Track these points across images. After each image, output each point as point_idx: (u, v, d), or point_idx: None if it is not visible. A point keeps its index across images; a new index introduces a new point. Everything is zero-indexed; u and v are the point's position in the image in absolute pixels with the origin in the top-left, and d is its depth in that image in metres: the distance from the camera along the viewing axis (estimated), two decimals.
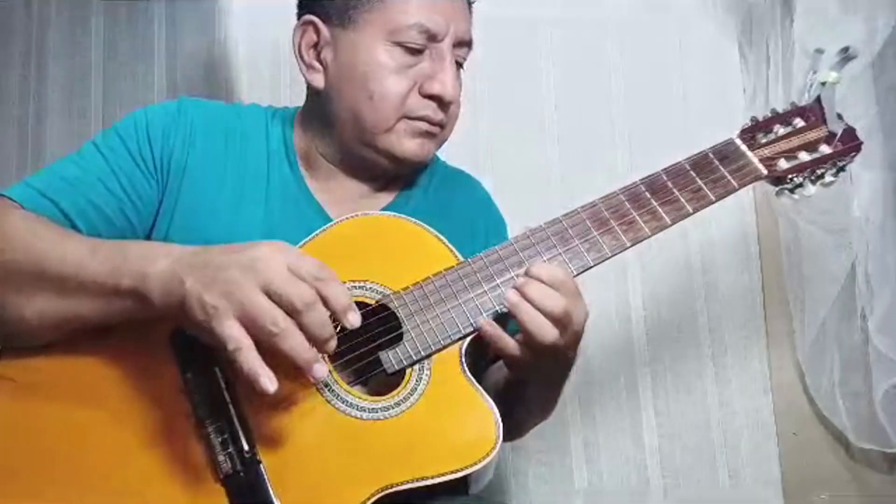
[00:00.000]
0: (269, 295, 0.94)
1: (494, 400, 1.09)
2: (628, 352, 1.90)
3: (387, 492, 1.01)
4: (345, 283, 1.10)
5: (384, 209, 1.31)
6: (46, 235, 1.06)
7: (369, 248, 1.15)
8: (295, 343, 0.94)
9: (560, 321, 1.08)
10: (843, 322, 1.75)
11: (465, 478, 1.06)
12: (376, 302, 1.11)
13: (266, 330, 0.93)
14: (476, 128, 1.97)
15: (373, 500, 1.00)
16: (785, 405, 1.86)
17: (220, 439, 1.02)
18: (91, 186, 1.17)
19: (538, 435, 1.89)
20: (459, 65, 1.30)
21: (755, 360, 1.89)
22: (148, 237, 1.23)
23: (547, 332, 1.07)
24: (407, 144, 1.25)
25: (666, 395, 1.89)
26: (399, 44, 1.22)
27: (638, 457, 1.89)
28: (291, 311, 0.94)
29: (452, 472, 1.02)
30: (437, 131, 1.28)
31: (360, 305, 1.09)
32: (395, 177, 1.34)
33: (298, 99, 1.38)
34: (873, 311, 1.68)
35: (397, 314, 1.10)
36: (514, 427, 1.31)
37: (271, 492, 1.01)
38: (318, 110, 1.30)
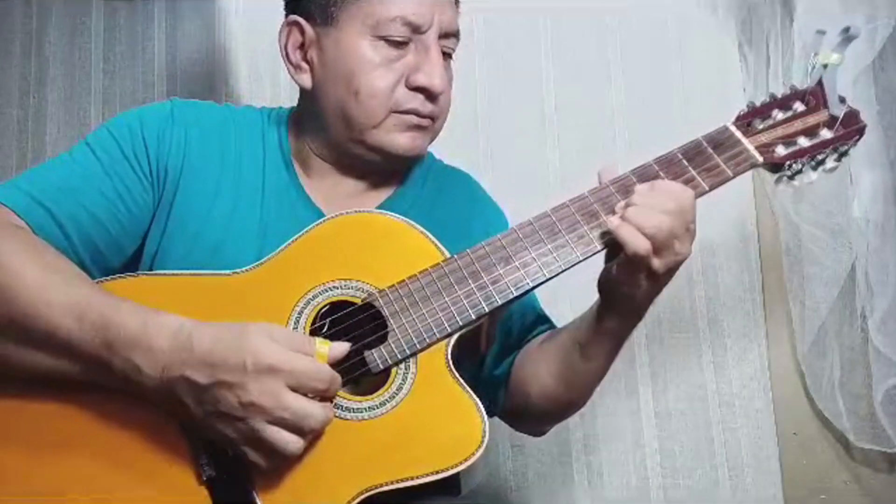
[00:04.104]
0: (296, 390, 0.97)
1: (557, 367, 1.15)
2: (628, 352, 1.88)
3: (371, 493, 1.01)
4: (331, 281, 1.11)
5: (378, 207, 1.29)
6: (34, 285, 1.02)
7: (355, 245, 1.13)
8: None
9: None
10: (843, 322, 1.74)
11: (456, 477, 1.05)
12: (362, 301, 1.10)
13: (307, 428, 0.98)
14: (476, 128, 1.97)
15: (356, 501, 1.00)
16: (785, 405, 1.85)
17: (203, 440, 1.02)
18: (85, 192, 1.16)
19: None
20: (448, 55, 1.28)
21: (755, 361, 1.88)
22: (143, 241, 1.22)
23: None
24: (398, 139, 1.24)
25: (666, 394, 1.89)
26: (382, 38, 1.21)
27: (638, 457, 1.88)
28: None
29: (437, 473, 1.02)
30: (428, 124, 1.26)
31: (346, 304, 1.10)
32: (390, 174, 1.33)
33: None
34: (873, 311, 1.68)
35: (382, 313, 1.09)
36: (576, 398, 1.29)
37: (254, 493, 1.01)
38: (309, 110, 1.29)
